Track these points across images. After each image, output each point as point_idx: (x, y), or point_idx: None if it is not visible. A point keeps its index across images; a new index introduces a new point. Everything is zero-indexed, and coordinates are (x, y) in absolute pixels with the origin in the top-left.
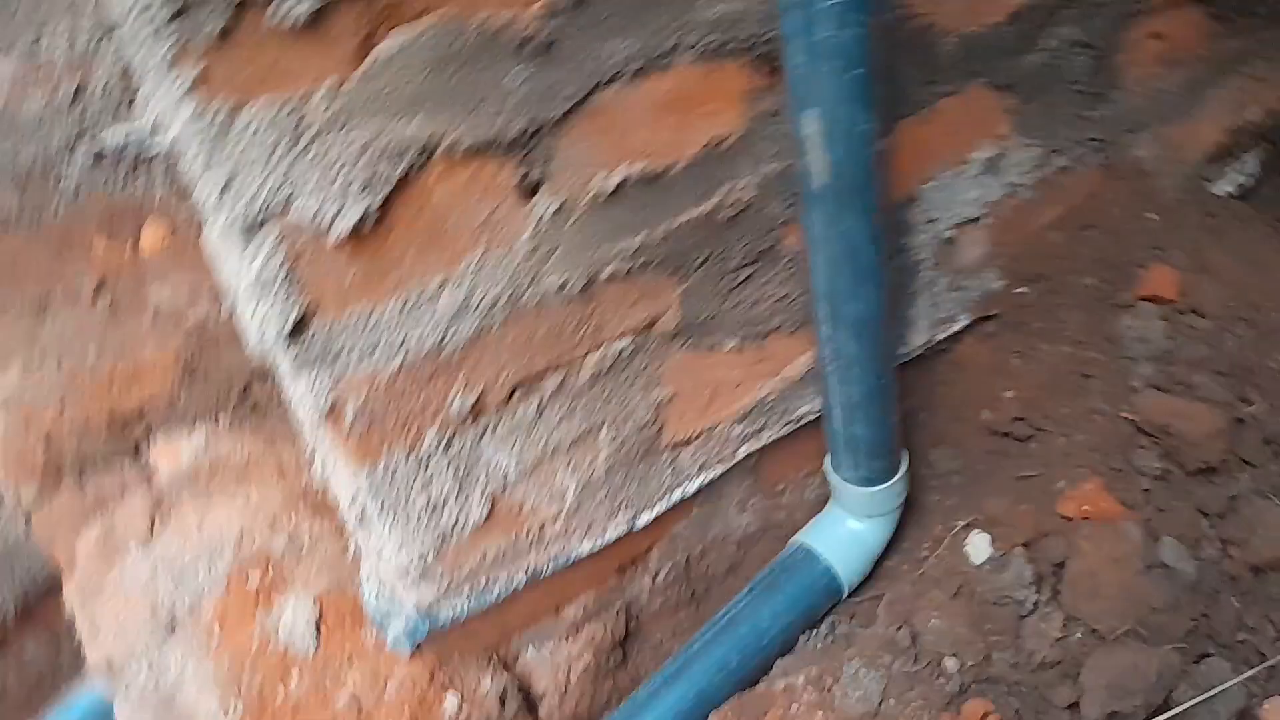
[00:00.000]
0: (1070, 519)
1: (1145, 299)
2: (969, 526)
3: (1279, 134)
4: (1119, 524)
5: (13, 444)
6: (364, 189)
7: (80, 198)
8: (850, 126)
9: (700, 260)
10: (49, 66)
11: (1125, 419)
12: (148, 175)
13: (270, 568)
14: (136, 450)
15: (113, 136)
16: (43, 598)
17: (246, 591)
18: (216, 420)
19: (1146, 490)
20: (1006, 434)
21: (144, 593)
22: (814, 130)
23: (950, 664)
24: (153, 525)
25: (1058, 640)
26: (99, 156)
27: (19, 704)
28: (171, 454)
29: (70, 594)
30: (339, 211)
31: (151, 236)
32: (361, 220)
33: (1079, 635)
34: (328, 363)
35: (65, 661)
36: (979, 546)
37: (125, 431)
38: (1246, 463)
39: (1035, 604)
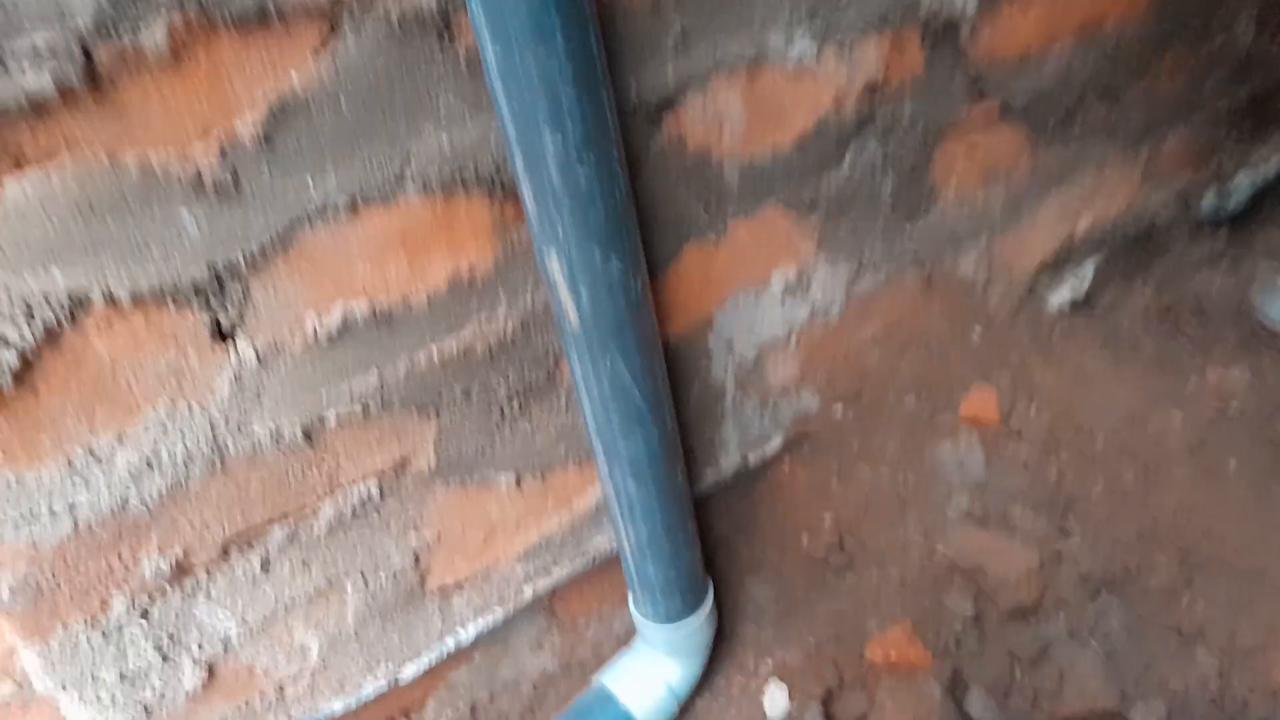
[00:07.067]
0: (876, 666)
1: (967, 421)
2: (777, 668)
3: (1112, 242)
4: (921, 678)
5: None
6: None
7: None
8: (595, 268)
9: (457, 396)
10: None
11: (940, 554)
12: None
13: None
14: None
15: None
16: None
17: None
18: None
19: (958, 634)
20: (824, 562)
21: None
22: (558, 271)
23: None
24: None
25: None
26: None
27: None
28: None
29: None
30: None
31: None
32: None
33: None
34: None
35: None
36: (776, 699)
37: None
38: (1061, 602)
39: None
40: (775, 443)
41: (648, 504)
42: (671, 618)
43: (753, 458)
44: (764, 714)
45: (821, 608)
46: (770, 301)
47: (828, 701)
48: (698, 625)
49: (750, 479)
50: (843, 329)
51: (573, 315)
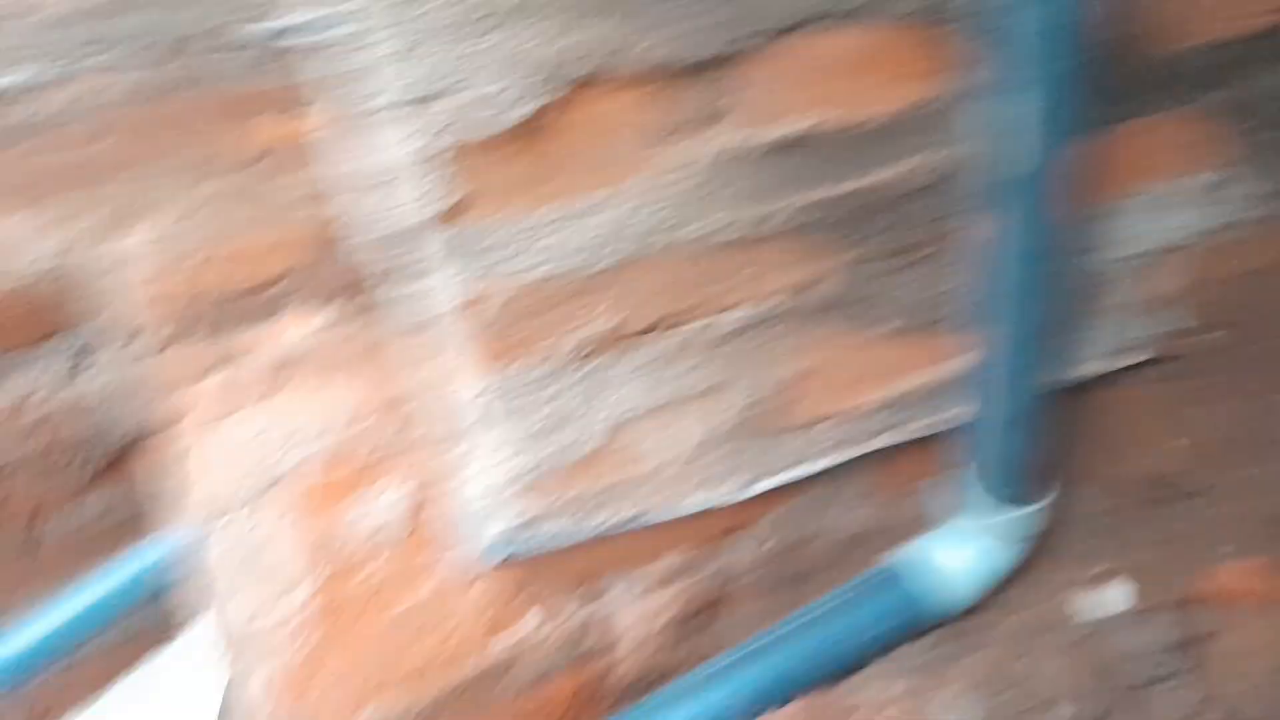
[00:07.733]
0: (1226, 590)
1: None
2: (1112, 572)
3: None
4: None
5: (157, 284)
6: (540, 86)
7: (252, 72)
8: (1052, 119)
9: (876, 230)
10: None
11: None
12: (321, 57)
13: (375, 451)
14: (268, 315)
15: (294, 13)
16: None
17: (349, 468)
18: (345, 303)
19: None
20: (1170, 485)
21: (253, 445)
22: (1010, 117)
23: (1065, 710)
24: (272, 387)
25: (1189, 717)
26: (278, 32)
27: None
28: (302, 325)
29: (181, 433)
30: (510, 104)
31: (316, 119)
32: (531, 118)
33: (1216, 718)
34: (474, 256)
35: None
36: (1120, 596)
37: (261, 295)
38: None
39: (1172, 672)
40: (1142, 355)
41: (1023, 380)
42: (1010, 503)
43: (1116, 365)
44: (1106, 608)
45: (1161, 529)
46: (1180, 205)
47: (1177, 608)
48: (1034, 516)
49: (1104, 386)
50: (1243, 251)
51: (1012, 167)
